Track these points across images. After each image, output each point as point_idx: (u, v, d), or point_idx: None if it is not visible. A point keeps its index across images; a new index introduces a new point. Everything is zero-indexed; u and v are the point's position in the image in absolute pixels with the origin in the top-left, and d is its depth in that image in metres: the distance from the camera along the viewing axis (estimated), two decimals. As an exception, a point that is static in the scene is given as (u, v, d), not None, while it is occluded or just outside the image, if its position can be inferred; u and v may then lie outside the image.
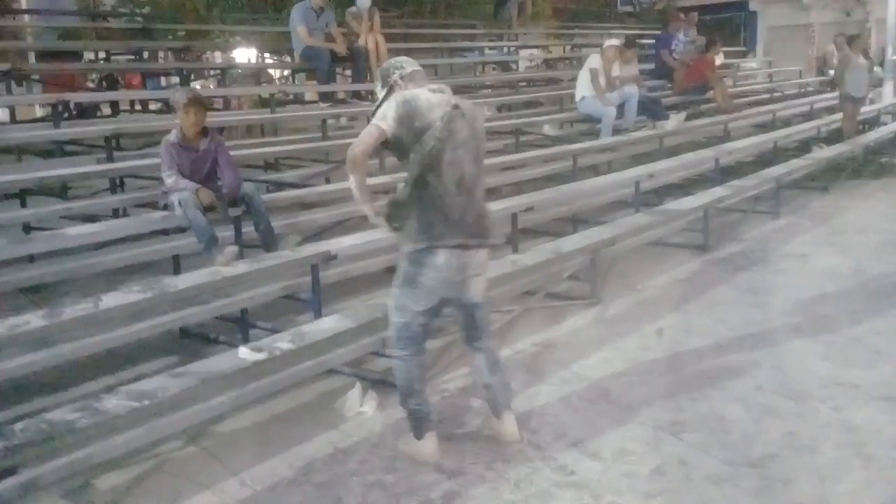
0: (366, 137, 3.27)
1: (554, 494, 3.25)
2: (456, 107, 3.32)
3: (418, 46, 12.56)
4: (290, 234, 5.10)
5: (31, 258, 5.16)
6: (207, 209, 4.75)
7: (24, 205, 5.85)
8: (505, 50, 14.35)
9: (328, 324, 3.89)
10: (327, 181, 7.09)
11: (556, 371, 4.51)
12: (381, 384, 4.31)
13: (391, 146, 3.38)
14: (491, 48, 15.19)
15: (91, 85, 10.85)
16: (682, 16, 12.65)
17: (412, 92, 3.35)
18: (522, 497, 3.24)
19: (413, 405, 3.52)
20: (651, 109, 9.48)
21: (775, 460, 3.47)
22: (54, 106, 6.56)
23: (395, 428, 3.86)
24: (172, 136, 4.81)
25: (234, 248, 4.56)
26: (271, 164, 7.55)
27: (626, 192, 7.66)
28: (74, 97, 8.33)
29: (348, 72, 9.63)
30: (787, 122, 11.91)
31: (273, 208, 5.42)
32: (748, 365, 4.50)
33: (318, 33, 8.40)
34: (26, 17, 13.08)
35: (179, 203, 4.68)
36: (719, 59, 12.79)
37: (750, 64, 17.70)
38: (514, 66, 14.44)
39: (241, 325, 4.92)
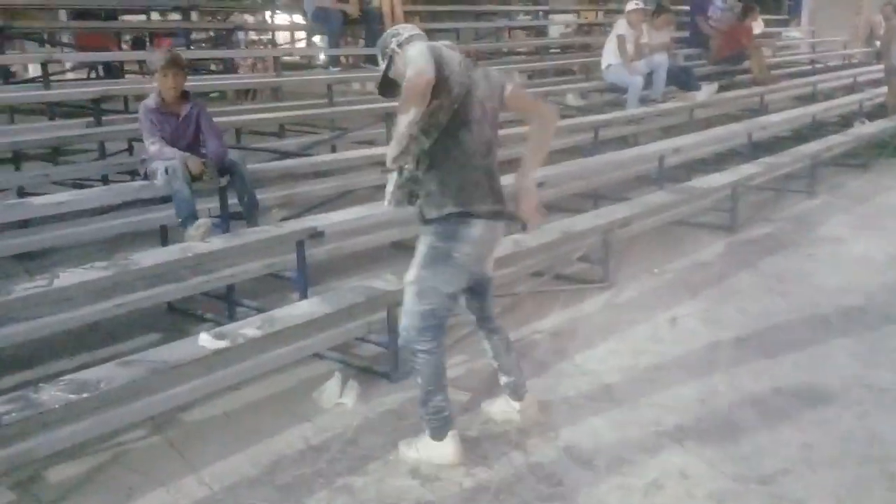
0: (420, 62, 2.86)
1: (536, 508, 2.93)
2: (468, 57, 3.07)
3: (442, 9, 12.14)
4: (280, 206, 4.76)
5: (25, 223, 4.95)
6: (195, 179, 4.46)
7: (18, 168, 5.65)
8: (540, 15, 13.80)
9: (302, 308, 3.58)
10: (333, 150, 6.78)
11: (557, 362, 4.17)
12: (366, 372, 4.03)
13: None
14: (524, 13, 14.64)
15: (125, 46, 10.67)
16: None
17: (425, 42, 3.05)
18: (501, 510, 2.93)
19: (439, 402, 3.15)
20: (681, 79, 8.97)
21: (789, 476, 3.09)
22: (44, 65, 6.27)
23: (375, 422, 3.57)
24: (151, 101, 4.50)
25: (206, 221, 4.27)
26: (274, 132, 7.24)
27: (650, 167, 7.23)
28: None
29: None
30: (829, 96, 11.29)
31: (267, 179, 5.12)
32: (767, 362, 4.11)
33: (331, -6, 8.02)
34: None
35: (166, 171, 4.37)
36: (758, 27, 12.13)
37: (792, 33, 16.91)
38: (544, 32, 13.89)
39: (227, 303, 4.69)
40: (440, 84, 2.86)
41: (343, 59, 8.77)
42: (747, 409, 3.62)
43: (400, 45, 3.01)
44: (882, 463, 3.20)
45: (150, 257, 3.79)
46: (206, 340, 3.17)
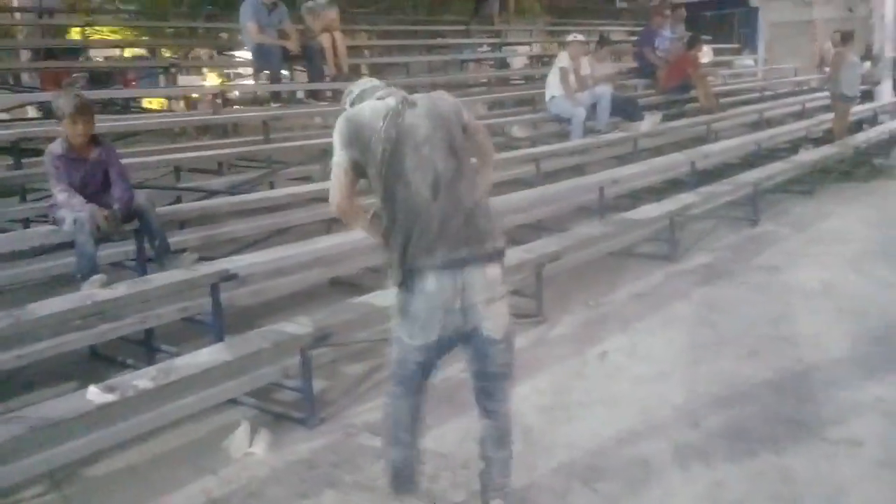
0: (334, 183, 2.81)
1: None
2: (403, 101, 2.81)
3: (393, 43, 12.16)
4: (199, 248, 4.65)
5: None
6: (102, 232, 4.34)
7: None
8: (484, 48, 13.86)
9: (203, 356, 3.46)
10: (271, 186, 6.69)
11: (472, 403, 4.06)
12: (282, 419, 3.92)
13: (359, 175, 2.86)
14: (477, 46, 14.74)
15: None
16: (667, 11, 12.12)
17: (352, 109, 2.89)
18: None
19: (394, 456, 2.95)
20: (625, 110, 9.02)
21: (694, 519, 3.03)
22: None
23: (282, 473, 3.46)
24: (57, 147, 4.33)
25: (101, 277, 4.17)
26: (210, 169, 7.14)
27: (593, 198, 7.22)
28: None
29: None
30: (779, 122, 11.43)
31: (190, 219, 5.02)
32: (688, 396, 4.06)
33: (270, 30, 7.98)
34: (17, 16, 13.04)
35: (74, 222, 4.25)
36: (707, 57, 12.33)
37: (745, 61, 17.19)
38: (491, 65, 13.94)
39: (146, 348, 4.56)
40: (364, 157, 2.75)
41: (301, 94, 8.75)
42: (663, 447, 3.55)
43: (352, 105, 2.94)
44: (792, 502, 3.14)
45: (47, 307, 3.66)
46: (94, 394, 3.05)
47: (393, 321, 2.85)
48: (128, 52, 13.49)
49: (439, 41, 12.48)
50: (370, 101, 2.87)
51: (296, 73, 9.49)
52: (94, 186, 4.41)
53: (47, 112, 8.39)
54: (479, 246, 2.73)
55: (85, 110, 4.29)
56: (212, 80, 12.28)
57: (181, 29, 12.45)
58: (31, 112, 9.87)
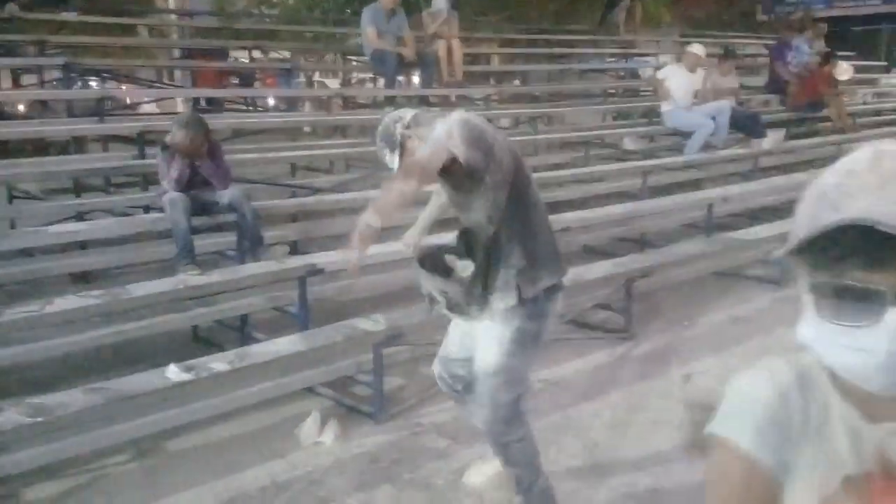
0: (440, 154, 2.48)
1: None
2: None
3: (516, 51, 12.17)
4: (290, 244, 4.85)
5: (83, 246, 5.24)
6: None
7: (78, 195, 5.97)
8: (612, 59, 13.63)
9: (279, 346, 3.60)
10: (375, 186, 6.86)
11: (550, 414, 4.01)
12: (353, 412, 4.03)
13: (454, 177, 2.61)
14: (607, 56, 14.52)
15: (235, 82, 11.45)
16: (803, 26, 11.53)
17: (458, 116, 2.63)
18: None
19: (543, 484, 2.91)
20: (746, 125, 8.63)
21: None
22: (100, 100, 6.66)
23: (346, 464, 3.56)
24: (168, 138, 4.64)
25: (193, 267, 4.39)
26: (317, 168, 7.42)
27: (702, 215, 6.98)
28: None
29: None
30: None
31: (295, 214, 5.24)
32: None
33: (388, 36, 8.17)
34: (173, 17, 14.16)
35: (170, 202, 4.54)
36: (846, 74, 11.61)
37: (890, 80, 16.07)
38: (622, 76, 13.72)
39: (241, 334, 4.79)
40: (483, 162, 2.54)
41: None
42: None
43: (408, 128, 2.79)
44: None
45: (143, 288, 3.91)
46: (173, 372, 3.24)
47: (508, 363, 2.69)
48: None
49: (562, 50, 12.35)
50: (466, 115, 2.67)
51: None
52: (198, 178, 4.67)
53: (195, 105, 9.07)
54: None
55: (193, 152, 4.55)
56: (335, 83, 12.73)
57: (318, 34, 13.02)
58: (180, 106, 10.60)
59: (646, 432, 3.84)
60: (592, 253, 6.42)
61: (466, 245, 2.76)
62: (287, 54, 12.10)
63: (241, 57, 12.35)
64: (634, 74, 13.72)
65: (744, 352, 4.91)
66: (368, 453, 3.66)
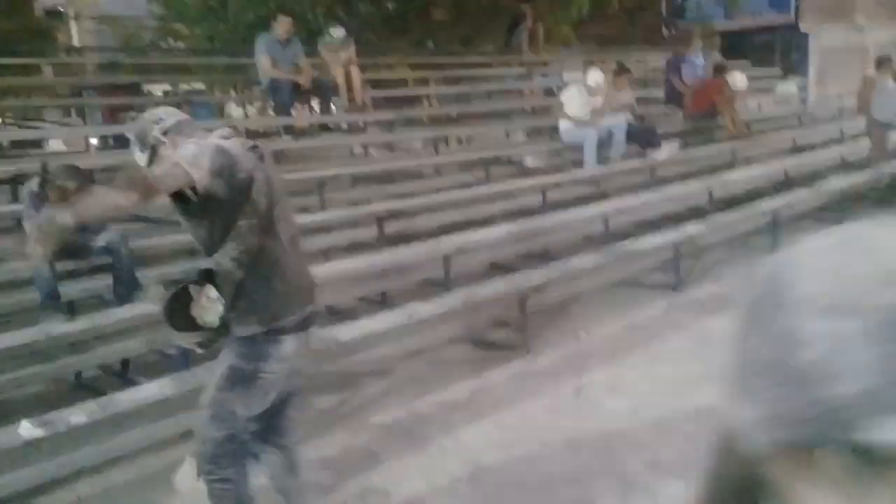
0: (177, 176, 2.35)
1: None
2: (255, 147, 2.66)
3: (423, 75, 12.20)
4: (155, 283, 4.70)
5: None
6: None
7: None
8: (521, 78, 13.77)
9: (145, 392, 3.46)
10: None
11: (440, 437, 4.00)
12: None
13: (186, 203, 2.49)
14: (510, 77, 14.69)
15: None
16: (695, 39, 11.88)
17: (218, 141, 2.56)
18: None
19: None
20: (642, 137, 8.84)
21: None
22: None
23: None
24: (34, 185, 4.45)
25: (58, 315, 4.24)
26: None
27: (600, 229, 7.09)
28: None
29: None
30: (813, 149, 11.06)
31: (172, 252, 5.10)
32: (655, 438, 3.88)
33: (284, 64, 8.10)
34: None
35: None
36: (741, 83, 12.03)
37: (788, 87, 16.75)
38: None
39: (122, 379, 4.61)
40: (228, 196, 2.44)
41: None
42: (613, 487, 3.41)
43: (165, 133, 2.56)
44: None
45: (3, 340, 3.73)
46: (25, 429, 3.08)
47: (218, 396, 2.67)
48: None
49: (469, 72, 12.45)
50: (218, 139, 2.58)
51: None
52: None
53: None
54: (317, 306, 2.87)
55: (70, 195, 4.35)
56: (237, 113, 12.56)
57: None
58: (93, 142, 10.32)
59: (534, 451, 3.82)
60: (499, 270, 6.43)
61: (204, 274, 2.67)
62: (201, 86, 11.94)
63: (157, 91, 12.13)
64: (550, 92, 13.91)
65: (635, 360, 4.97)
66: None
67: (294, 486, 2.97)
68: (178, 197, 2.50)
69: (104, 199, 2.42)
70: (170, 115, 2.66)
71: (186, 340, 2.67)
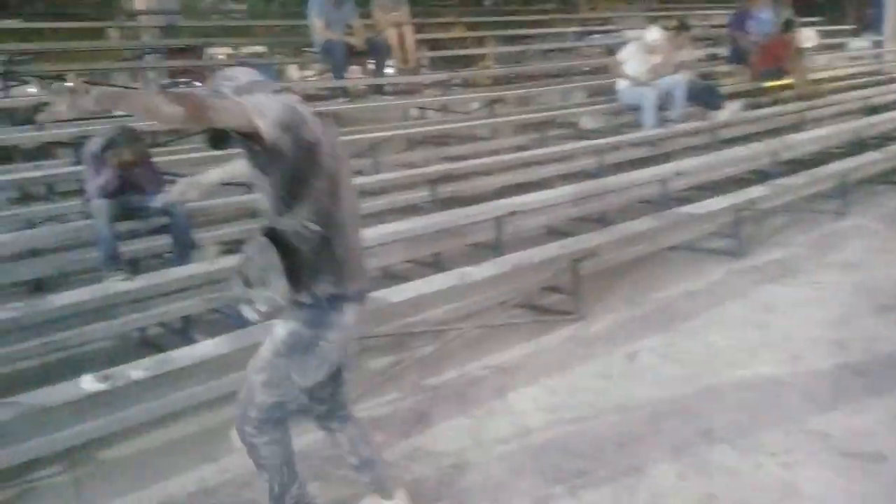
0: (236, 114, 2.27)
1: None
2: (321, 115, 2.61)
3: (472, 35, 12.10)
4: (213, 244, 4.78)
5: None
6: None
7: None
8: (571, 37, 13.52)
9: (200, 350, 3.55)
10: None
11: (490, 401, 4.01)
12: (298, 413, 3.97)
13: (254, 153, 2.43)
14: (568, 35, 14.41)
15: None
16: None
17: (289, 98, 2.53)
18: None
19: (296, 492, 2.81)
20: (703, 98, 8.57)
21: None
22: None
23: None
24: (95, 146, 4.57)
25: (120, 274, 4.33)
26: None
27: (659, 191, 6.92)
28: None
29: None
30: (887, 110, 10.59)
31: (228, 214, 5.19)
32: (705, 405, 3.82)
33: (337, 26, 8.07)
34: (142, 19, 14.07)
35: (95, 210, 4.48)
36: (810, 41, 11.53)
37: (862, 44, 16.02)
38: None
39: (182, 337, 4.73)
40: (293, 153, 2.38)
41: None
42: (663, 453, 3.37)
43: (237, 93, 2.47)
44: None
45: (64, 298, 3.86)
46: (87, 383, 3.19)
47: (273, 361, 2.62)
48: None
49: (526, 31, 12.25)
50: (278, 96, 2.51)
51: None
52: (130, 185, 4.61)
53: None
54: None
55: (132, 157, 4.53)
56: (297, 76, 12.61)
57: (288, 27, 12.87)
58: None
59: (581, 415, 3.80)
60: (554, 233, 6.36)
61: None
62: (262, 49, 11.99)
63: (220, 54, 12.25)
64: (610, 51, 13.59)
65: (690, 326, 4.89)
66: (300, 451, 3.59)
67: (374, 452, 2.99)
68: (246, 144, 2.40)
69: (144, 99, 2.26)
70: (244, 74, 2.59)
71: (250, 309, 2.57)
